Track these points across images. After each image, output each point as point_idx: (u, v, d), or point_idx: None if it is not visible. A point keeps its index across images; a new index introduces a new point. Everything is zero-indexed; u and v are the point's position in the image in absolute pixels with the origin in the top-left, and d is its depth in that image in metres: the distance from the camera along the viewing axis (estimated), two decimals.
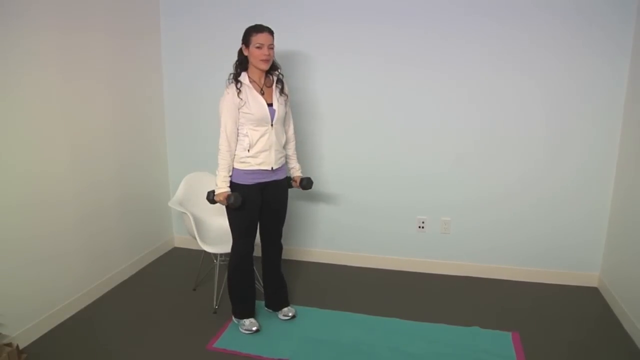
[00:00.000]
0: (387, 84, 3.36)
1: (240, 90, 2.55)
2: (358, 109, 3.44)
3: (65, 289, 2.88)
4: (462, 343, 2.64)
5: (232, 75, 2.62)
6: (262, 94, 2.61)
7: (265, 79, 2.66)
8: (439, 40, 3.22)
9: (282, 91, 2.69)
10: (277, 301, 2.93)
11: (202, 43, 3.60)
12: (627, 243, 2.88)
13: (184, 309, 3.02)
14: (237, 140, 2.59)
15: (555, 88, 3.13)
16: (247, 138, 2.57)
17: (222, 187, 2.59)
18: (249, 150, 2.58)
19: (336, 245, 3.70)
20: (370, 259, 3.64)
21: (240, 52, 2.61)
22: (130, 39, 3.34)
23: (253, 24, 2.58)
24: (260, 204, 2.69)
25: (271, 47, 2.56)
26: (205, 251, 2.98)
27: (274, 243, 2.86)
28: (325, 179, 3.56)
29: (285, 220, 2.88)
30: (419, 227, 3.53)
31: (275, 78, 2.69)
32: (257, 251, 2.81)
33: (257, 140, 2.58)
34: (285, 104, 2.70)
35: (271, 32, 2.56)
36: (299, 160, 2.93)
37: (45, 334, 2.69)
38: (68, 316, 2.87)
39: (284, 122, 2.74)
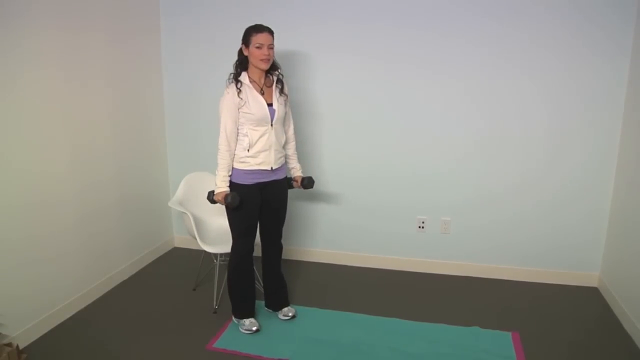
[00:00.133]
0: (387, 84, 3.36)
1: (240, 90, 2.55)
2: (358, 109, 3.44)
3: (65, 289, 2.88)
4: (462, 343, 2.64)
5: (232, 75, 2.62)
6: (262, 93, 2.61)
7: (265, 78, 2.66)
8: (439, 40, 3.22)
9: (282, 91, 2.69)
10: (277, 301, 2.93)
11: (202, 43, 3.60)
12: (627, 243, 2.88)
13: (184, 309, 3.02)
14: (236, 140, 2.59)
15: (555, 88, 3.13)
16: (247, 138, 2.57)
17: (222, 187, 2.59)
18: (248, 150, 2.58)
19: (336, 245, 3.70)
20: (370, 259, 3.64)
21: (240, 52, 2.61)
22: (130, 39, 3.34)
23: (253, 24, 2.58)
24: (260, 204, 2.69)
25: (271, 47, 2.56)
26: (205, 251, 2.98)
27: (274, 243, 2.86)
28: (325, 179, 3.56)
29: (285, 220, 2.88)
30: (419, 227, 3.53)
31: (275, 78, 2.69)
32: (257, 251, 2.81)
33: (257, 140, 2.58)
34: (285, 104, 2.71)
35: (271, 32, 2.56)
36: (299, 160, 2.93)
37: (45, 334, 2.69)
38: (68, 316, 2.87)
39: (284, 122, 2.74)
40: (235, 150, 2.60)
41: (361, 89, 3.40)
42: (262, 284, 2.96)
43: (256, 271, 2.91)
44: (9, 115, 2.43)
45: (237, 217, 2.66)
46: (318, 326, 2.81)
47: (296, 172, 2.90)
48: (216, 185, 2.60)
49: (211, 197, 2.65)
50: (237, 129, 2.59)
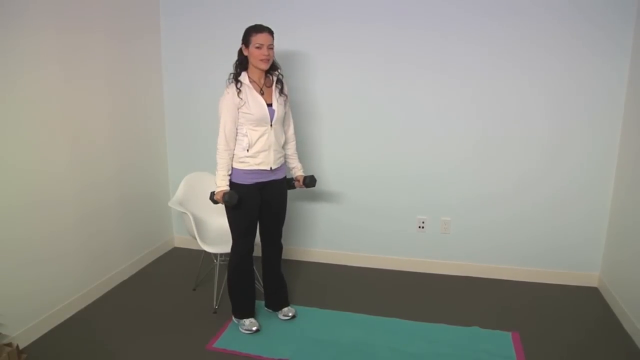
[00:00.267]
0: (388, 84, 3.36)
1: (240, 90, 2.55)
2: (358, 109, 3.44)
3: (65, 289, 2.88)
4: (462, 343, 2.64)
5: (232, 75, 2.62)
6: (262, 94, 2.61)
7: (265, 79, 2.66)
8: (439, 40, 3.22)
9: (281, 91, 2.69)
10: (277, 301, 2.93)
11: (202, 43, 3.60)
12: (627, 243, 2.88)
13: (184, 309, 3.02)
14: (235, 139, 2.60)
15: (555, 88, 3.13)
16: (246, 138, 2.57)
17: (221, 186, 2.59)
18: (248, 150, 2.58)
19: (336, 245, 3.70)
20: (370, 259, 3.64)
21: (240, 52, 2.61)
22: (130, 39, 3.34)
23: (253, 23, 2.58)
24: (259, 204, 2.69)
25: (271, 47, 2.56)
26: (205, 251, 2.98)
27: (274, 243, 2.86)
28: (325, 179, 3.56)
29: (285, 220, 2.88)
30: (419, 227, 3.53)
31: (275, 78, 2.69)
32: (257, 251, 2.81)
33: (257, 140, 2.59)
34: (285, 104, 2.71)
35: (271, 32, 2.56)
36: (300, 159, 2.92)
37: (45, 334, 2.69)
38: (68, 316, 2.87)
39: (284, 122, 2.74)
40: (234, 150, 2.60)
41: (361, 89, 3.40)
42: (262, 284, 2.96)
43: (256, 271, 2.91)
44: (9, 115, 2.43)
45: (237, 217, 2.66)
46: (318, 326, 2.81)
47: (297, 171, 2.90)
48: (216, 185, 2.61)
49: (212, 198, 2.65)
50: (236, 129, 2.59)
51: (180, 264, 3.69)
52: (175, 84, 3.73)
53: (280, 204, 2.81)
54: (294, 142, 2.87)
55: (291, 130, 2.83)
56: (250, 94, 2.57)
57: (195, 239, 2.94)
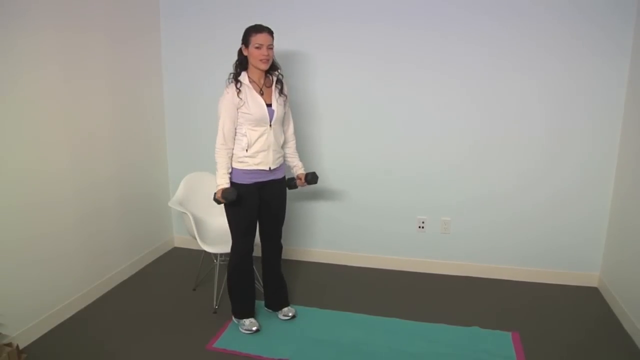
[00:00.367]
0: (388, 84, 3.36)
1: (240, 90, 2.55)
2: (358, 109, 3.44)
3: (65, 289, 2.88)
4: (462, 343, 2.64)
5: (232, 75, 2.62)
6: (262, 94, 2.61)
7: (265, 79, 2.66)
8: (439, 40, 3.22)
9: (281, 91, 2.69)
10: (277, 301, 2.93)
11: (202, 43, 3.60)
12: (627, 243, 2.88)
13: (184, 309, 3.02)
14: (234, 139, 2.60)
15: (555, 88, 3.13)
16: (246, 138, 2.57)
17: (221, 184, 2.58)
18: (247, 150, 2.58)
19: (336, 245, 3.70)
20: (370, 259, 3.64)
21: (240, 52, 2.61)
22: (130, 39, 3.34)
23: (253, 23, 2.58)
24: (258, 203, 2.69)
25: (270, 47, 2.56)
26: (205, 251, 2.98)
27: (273, 243, 2.86)
28: (325, 179, 3.56)
29: (285, 220, 2.88)
30: (419, 227, 3.53)
31: (274, 78, 2.69)
32: (257, 251, 2.81)
33: (256, 140, 2.59)
34: (285, 104, 2.71)
35: (271, 33, 2.56)
36: (300, 159, 2.92)
37: (45, 334, 2.69)
38: (68, 316, 2.87)
39: (283, 122, 2.74)
40: (233, 149, 2.60)
41: (361, 88, 3.40)
42: (262, 284, 2.96)
43: (256, 271, 2.91)
44: (9, 115, 2.43)
45: (236, 217, 2.66)
46: (318, 326, 2.81)
47: (298, 170, 2.89)
48: (216, 184, 2.60)
49: (215, 198, 2.63)
50: (235, 129, 2.59)
51: (180, 264, 3.69)
52: (175, 84, 3.73)
53: (279, 203, 2.81)
54: (294, 141, 2.87)
55: (291, 130, 2.83)
56: (250, 94, 2.57)
57: (195, 239, 2.94)
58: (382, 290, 3.28)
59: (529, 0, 3.05)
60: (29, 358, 2.43)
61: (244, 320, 2.76)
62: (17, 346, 2.35)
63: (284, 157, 2.82)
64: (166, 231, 3.96)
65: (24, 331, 2.56)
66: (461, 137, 3.32)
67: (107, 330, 2.76)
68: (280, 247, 2.89)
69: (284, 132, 2.78)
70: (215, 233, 3.20)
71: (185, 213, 2.99)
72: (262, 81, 2.64)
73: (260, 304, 2.96)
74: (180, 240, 4.02)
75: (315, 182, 2.89)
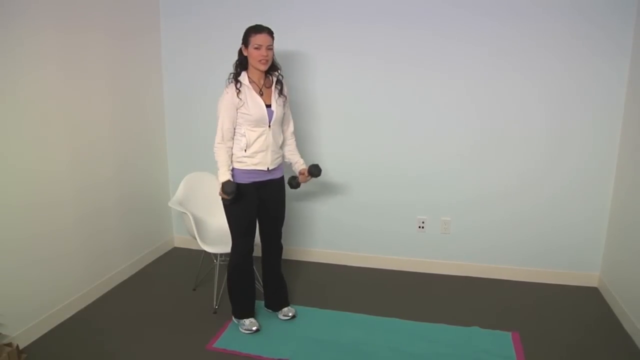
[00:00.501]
0: (387, 84, 3.36)
1: (239, 91, 2.55)
2: (358, 109, 3.44)
3: (65, 289, 2.88)
4: (462, 343, 2.64)
5: (232, 75, 2.62)
6: (261, 94, 2.61)
7: (265, 79, 2.66)
8: (439, 40, 3.22)
9: (281, 92, 2.69)
10: (277, 301, 2.93)
11: (202, 43, 3.60)
12: (627, 243, 2.88)
13: (184, 309, 3.02)
14: (233, 139, 2.60)
15: (555, 88, 3.13)
16: (244, 138, 2.58)
17: (223, 180, 2.55)
18: (245, 150, 2.58)
19: (336, 245, 3.70)
20: (370, 259, 3.64)
21: (240, 52, 2.61)
22: (130, 39, 3.34)
23: (253, 23, 2.58)
24: (257, 203, 2.69)
25: (270, 48, 2.55)
26: (205, 251, 2.97)
27: (274, 243, 2.86)
28: (325, 178, 3.56)
29: (285, 220, 2.88)
30: (419, 227, 3.53)
31: (274, 79, 2.68)
32: (257, 251, 2.81)
33: (255, 140, 2.59)
34: (284, 105, 2.71)
35: (270, 33, 2.56)
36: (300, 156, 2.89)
37: (45, 334, 2.69)
38: (68, 316, 2.87)
39: (282, 122, 2.75)
40: (232, 148, 2.60)
41: (361, 88, 3.40)
42: (261, 284, 2.96)
43: (256, 271, 2.91)
44: (9, 115, 2.43)
45: (235, 216, 2.66)
46: (318, 326, 2.81)
47: (300, 165, 2.84)
48: (218, 180, 2.57)
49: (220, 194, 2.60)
50: (234, 129, 2.59)
51: (180, 264, 3.69)
52: (175, 84, 3.73)
53: (278, 203, 2.81)
54: (294, 140, 2.86)
55: (290, 129, 2.83)
56: (250, 94, 2.57)
57: (195, 239, 2.94)
58: (382, 290, 3.28)
59: (529, 1, 3.05)
60: (29, 358, 2.43)
61: (244, 320, 2.76)
62: (17, 346, 2.35)
63: (284, 156, 2.82)
64: (166, 231, 3.96)
65: (24, 331, 2.56)
66: (461, 137, 3.32)
67: (107, 330, 2.76)
68: (280, 248, 2.89)
69: (284, 132, 2.78)
70: (215, 233, 3.20)
71: (185, 213, 2.99)
72: (261, 81, 2.64)
73: (260, 304, 2.96)
74: (180, 240, 4.02)
75: (319, 174, 2.80)
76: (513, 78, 3.17)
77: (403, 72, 3.31)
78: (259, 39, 2.51)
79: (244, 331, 2.73)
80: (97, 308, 3.03)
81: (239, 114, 2.56)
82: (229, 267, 2.75)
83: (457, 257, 3.50)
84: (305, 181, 2.83)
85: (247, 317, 2.77)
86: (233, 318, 2.83)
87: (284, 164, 2.83)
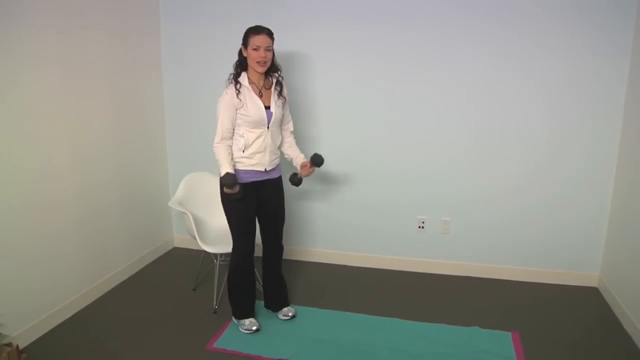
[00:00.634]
0: (387, 84, 3.36)
1: (239, 92, 2.55)
2: (358, 109, 3.44)
3: (65, 289, 2.88)
4: (462, 343, 2.64)
5: (232, 75, 2.62)
6: (261, 96, 2.61)
7: (264, 80, 2.66)
8: (439, 41, 3.22)
9: (280, 93, 2.69)
10: (277, 302, 2.93)
11: (202, 43, 3.60)
12: (627, 243, 2.88)
13: (184, 309, 3.02)
14: (232, 138, 2.60)
15: (555, 88, 3.13)
16: (243, 139, 2.58)
17: (225, 172, 2.52)
18: (243, 151, 2.59)
19: (336, 245, 3.70)
20: (370, 259, 3.64)
21: (240, 52, 2.62)
22: (130, 39, 3.34)
23: (253, 23, 2.58)
24: (255, 203, 2.69)
25: (269, 49, 2.55)
26: (205, 251, 2.97)
27: (275, 244, 2.86)
28: (325, 178, 3.56)
29: (285, 221, 2.87)
30: (419, 227, 3.53)
31: (274, 80, 2.68)
32: (258, 251, 2.81)
33: (253, 141, 2.59)
34: (283, 105, 2.71)
35: (270, 34, 2.56)
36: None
37: (45, 334, 2.69)
38: (68, 316, 2.87)
39: (281, 123, 2.75)
40: (231, 146, 2.61)
41: (361, 89, 3.40)
42: (262, 285, 2.96)
43: (256, 272, 2.90)
44: (9, 115, 2.44)
45: (234, 216, 2.66)
46: (318, 326, 2.81)
47: (301, 159, 2.80)
48: (220, 175, 2.55)
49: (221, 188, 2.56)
50: (233, 129, 2.59)
51: (180, 264, 3.69)
52: (175, 83, 3.73)
53: (277, 202, 2.81)
54: (293, 137, 2.85)
55: (290, 129, 2.83)
56: (249, 95, 2.57)
57: (195, 239, 2.94)
58: (382, 290, 3.28)
59: (529, 1, 3.05)
60: (29, 358, 2.43)
61: (244, 320, 2.76)
62: (17, 346, 2.35)
63: (284, 153, 2.82)
64: (166, 231, 3.96)
65: (24, 331, 2.56)
66: (461, 137, 3.32)
67: (107, 330, 2.76)
68: (281, 248, 2.89)
69: (283, 131, 2.78)
70: (215, 233, 3.20)
71: (185, 213, 2.99)
72: (261, 82, 2.64)
73: (259, 304, 2.96)
74: (180, 240, 4.02)
75: (322, 163, 2.75)
76: (513, 78, 3.17)
77: (403, 72, 3.31)
78: (257, 40, 2.51)
79: (244, 331, 2.73)
80: (97, 308, 3.03)
81: (238, 114, 2.56)
82: (229, 268, 2.74)
83: (457, 257, 3.50)
84: (308, 174, 2.76)
85: (247, 317, 2.77)
86: (233, 318, 2.83)
87: (281, 165, 2.83)
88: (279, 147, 2.78)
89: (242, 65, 2.62)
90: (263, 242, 2.85)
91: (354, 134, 3.48)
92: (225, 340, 2.67)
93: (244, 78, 2.59)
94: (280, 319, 2.88)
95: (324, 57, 3.41)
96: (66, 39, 2.76)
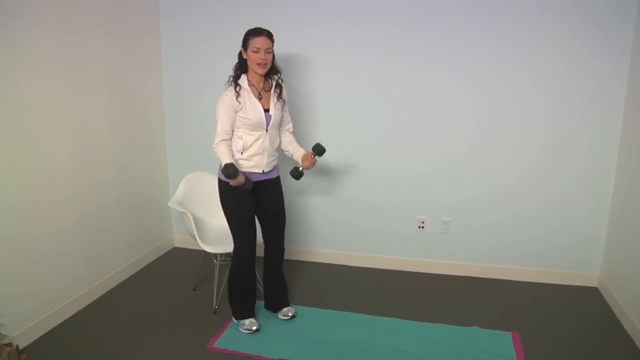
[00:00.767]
0: (387, 84, 3.36)
1: (239, 94, 2.55)
2: (358, 109, 3.44)
3: (65, 289, 2.87)
4: (462, 343, 2.64)
5: (231, 77, 2.62)
6: (260, 98, 2.61)
7: (264, 82, 2.66)
8: (439, 41, 3.22)
9: (279, 96, 2.69)
10: (277, 302, 2.93)
11: (202, 43, 3.60)
12: (627, 243, 2.88)
13: (184, 309, 3.02)
14: (231, 139, 2.60)
15: (555, 88, 3.13)
16: (241, 141, 2.59)
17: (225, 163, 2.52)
18: (242, 153, 2.59)
19: (336, 245, 3.70)
20: (370, 259, 3.64)
21: (240, 55, 2.62)
22: (130, 39, 3.34)
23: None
24: (254, 203, 2.70)
25: (268, 51, 2.55)
26: (205, 251, 2.97)
27: (276, 246, 2.86)
28: (325, 179, 3.56)
29: (286, 221, 2.87)
30: (419, 227, 3.53)
31: (274, 83, 2.68)
32: (259, 251, 2.80)
33: (251, 144, 2.60)
34: (282, 108, 2.71)
35: (270, 36, 2.56)
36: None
37: (45, 334, 2.69)
38: (68, 316, 2.87)
39: (280, 124, 2.75)
40: (231, 145, 2.61)
41: (361, 89, 3.40)
42: (262, 285, 2.96)
43: (256, 272, 2.90)
44: (10, 114, 2.43)
45: (234, 217, 2.66)
46: (318, 326, 2.81)
47: (302, 153, 2.78)
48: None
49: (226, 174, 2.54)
50: (232, 131, 2.59)
51: (180, 264, 3.69)
52: (175, 83, 3.73)
53: (277, 202, 2.81)
54: (291, 136, 2.85)
55: (290, 129, 2.84)
56: (249, 98, 2.57)
57: (195, 239, 2.94)
58: (382, 290, 3.28)
59: (529, 1, 3.05)
60: (29, 358, 2.43)
61: (244, 320, 2.76)
62: (17, 346, 2.35)
63: (284, 150, 2.82)
64: (166, 231, 3.96)
65: (24, 331, 2.56)
66: (461, 137, 3.32)
67: (107, 330, 2.76)
68: (282, 250, 2.90)
69: (282, 131, 2.79)
70: (215, 233, 3.20)
71: (185, 213, 2.99)
72: (261, 85, 2.64)
73: (260, 304, 2.96)
74: (180, 240, 4.02)
75: (324, 152, 2.73)
76: (513, 78, 3.17)
77: (403, 73, 3.31)
78: (257, 42, 2.51)
79: (244, 331, 2.73)
80: (97, 308, 3.02)
81: (237, 117, 2.57)
82: (230, 268, 2.74)
83: (457, 257, 3.50)
84: (310, 164, 2.72)
85: (247, 317, 2.77)
86: (233, 318, 2.82)
87: (281, 164, 2.83)
88: (279, 146, 2.78)
89: (241, 67, 2.62)
90: (265, 244, 2.85)
91: (354, 134, 3.48)
92: (225, 340, 2.67)
93: (243, 80, 2.60)
94: (280, 319, 2.88)
95: (324, 57, 3.40)
96: (66, 38, 2.76)
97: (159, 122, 3.77)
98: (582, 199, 3.23)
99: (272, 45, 2.58)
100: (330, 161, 3.54)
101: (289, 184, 3.41)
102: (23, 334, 2.55)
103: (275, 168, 2.78)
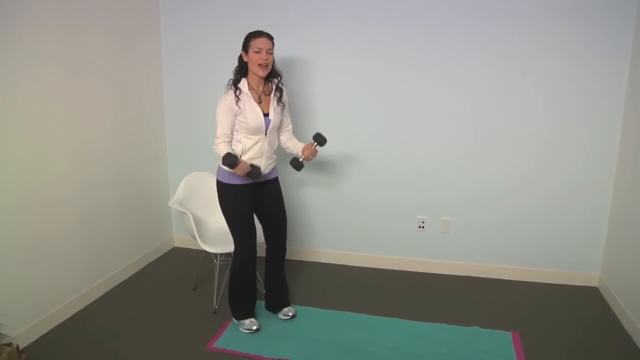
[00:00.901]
0: (387, 85, 3.36)
1: (238, 98, 2.55)
2: (358, 109, 3.44)
3: (65, 288, 2.87)
4: (462, 343, 2.64)
5: (231, 81, 2.62)
6: (260, 102, 2.61)
7: (264, 86, 2.66)
8: (439, 41, 3.22)
9: (279, 100, 2.69)
10: (278, 302, 2.93)
11: (202, 43, 3.60)
12: (627, 243, 2.88)
13: (184, 309, 3.02)
14: (231, 141, 2.60)
15: (555, 88, 3.13)
16: (240, 144, 2.59)
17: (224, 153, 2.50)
18: (240, 156, 2.59)
19: (336, 245, 3.70)
20: (370, 259, 3.64)
21: (240, 58, 2.61)
22: (130, 39, 3.34)
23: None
24: (253, 204, 2.70)
25: (270, 52, 2.55)
26: (205, 251, 2.97)
27: (278, 245, 2.86)
28: (326, 179, 3.56)
29: (287, 221, 2.87)
30: (419, 227, 3.53)
31: (274, 86, 2.68)
32: (261, 251, 2.80)
33: (250, 147, 2.61)
34: (282, 111, 2.71)
35: (271, 38, 2.56)
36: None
37: (45, 334, 2.69)
38: (68, 316, 2.87)
39: (279, 127, 2.75)
40: (231, 144, 2.61)
41: (361, 89, 3.40)
42: (263, 285, 2.96)
43: (257, 273, 2.90)
44: (10, 114, 2.43)
45: (233, 217, 2.67)
46: (318, 326, 2.81)
47: (301, 146, 2.76)
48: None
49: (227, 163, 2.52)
50: (232, 134, 2.60)
51: (180, 264, 3.69)
52: (175, 83, 3.73)
53: (276, 202, 2.82)
54: (291, 134, 2.84)
55: (289, 129, 2.83)
56: (248, 102, 2.57)
57: (195, 239, 2.94)
58: (382, 290, 3.28)
59: (529, 1, 3.05)
60: (29, 358, 2.43)
61: (244, 319, 2.76)
62: (17, 346, 2.35)
63: (284, 147, 2.82)
64: (166, 231, 3.96)
65: (24, 331, 2.56)
66: (461, 137, 3.32)
67: (106, 330, 2.76)
68: (284, 250, 2.90)
69: (281, 133, 2.80)
70: (215, 233, 3.20)
71: (185, 213, 2.99)
72: (261, 88, 2.64)
73: (260, 304, 2.96)
74: (180, 240, 4.02)
75: (325, 142, 2.72)
76: (512, 78, 3.17)
77: (402, 73, 3.31)
78: (259, 43, 2.52)
79: (244, 331, 2.73)
80: (97, 308, 3.02)
81: (236, 120, 2.57)
82: (230, 268, 2.74)
83: (457, 257, 3.50)
84: (310, 155, 2.71)
85: (248, 317, 2.77)
86: (233, 318, 2.82)
87: (280, 164, 2.83)
88: (278, 147, 2.78)
89: (242, 70, 2.62)
90: (266, 243, 2.86)
91: (354, 134, 3.48)
92: (225, 340, 2.67)
93: (243, 84, 2.59)
94: (281, 319, 2.88)
95: (324, 57, 3.40)
96: (66, 38, 2.76)
97: (159, 122, 3.77)
98: (582, 199, 3.23)
99: (273, 47, 2.58)
100: (331, 161, 3.54)
101: (289, 184, 3.41)
102: (23, 334, 2.55)
103: (273, 169, 2.78)
